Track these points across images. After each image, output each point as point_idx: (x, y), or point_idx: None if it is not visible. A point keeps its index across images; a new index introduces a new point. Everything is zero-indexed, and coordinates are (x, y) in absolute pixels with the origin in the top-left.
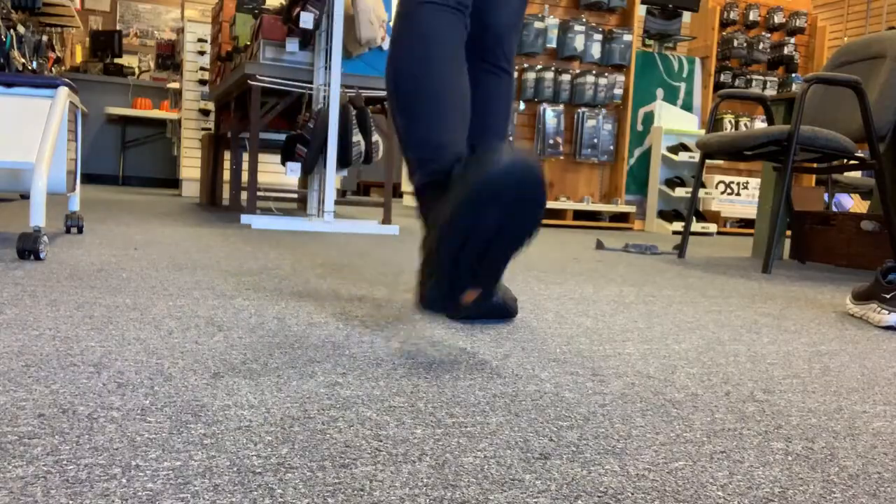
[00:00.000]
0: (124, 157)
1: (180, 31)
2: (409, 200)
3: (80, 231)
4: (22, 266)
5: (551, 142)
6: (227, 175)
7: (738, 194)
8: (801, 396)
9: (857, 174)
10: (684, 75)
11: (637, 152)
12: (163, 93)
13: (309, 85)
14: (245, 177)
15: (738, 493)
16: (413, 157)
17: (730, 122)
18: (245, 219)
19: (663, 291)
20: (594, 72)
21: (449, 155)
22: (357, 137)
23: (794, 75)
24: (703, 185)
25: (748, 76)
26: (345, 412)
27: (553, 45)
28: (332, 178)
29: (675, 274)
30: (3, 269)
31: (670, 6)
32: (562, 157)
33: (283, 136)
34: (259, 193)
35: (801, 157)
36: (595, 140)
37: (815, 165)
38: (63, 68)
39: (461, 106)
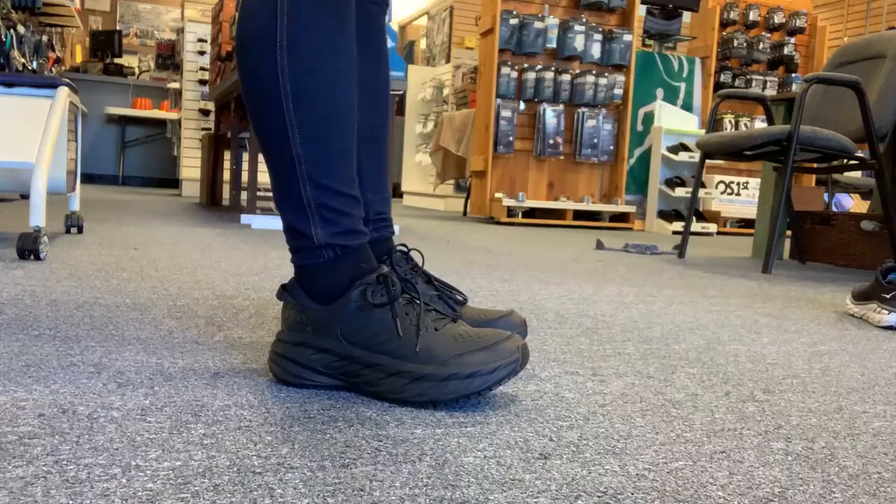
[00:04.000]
0: (124, 157)
1: (180, 31)
2: (410, 200)
3: (80, 231)
4: (22, 266)
5: (551, 142)
6: (227, 175)
7: (738, 194)
8: (801, 396)
9: (857, 174)
10: (684, 75)
11: (637, 152)
12: (163, 93)
13: None
14: (245, 177)
15: (738, 493)
16: (326, 202)
17: (730, 122)
18: (245, 219)
19: (663, 291)
20: (594, 72)
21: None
22: None
23: (794, 75)
24: (703, 185)
25: (748, 76)
26: (345, 412)
27: (553, 45)
28: None
29: (675, 274)
30: (3, 269)
31: (670, 6)
32: (562, 157)
33: None
34: (259, 193)
35: (801, 157)
36: (595, 140)
37: (815, 165)
38: (63, 68)
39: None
